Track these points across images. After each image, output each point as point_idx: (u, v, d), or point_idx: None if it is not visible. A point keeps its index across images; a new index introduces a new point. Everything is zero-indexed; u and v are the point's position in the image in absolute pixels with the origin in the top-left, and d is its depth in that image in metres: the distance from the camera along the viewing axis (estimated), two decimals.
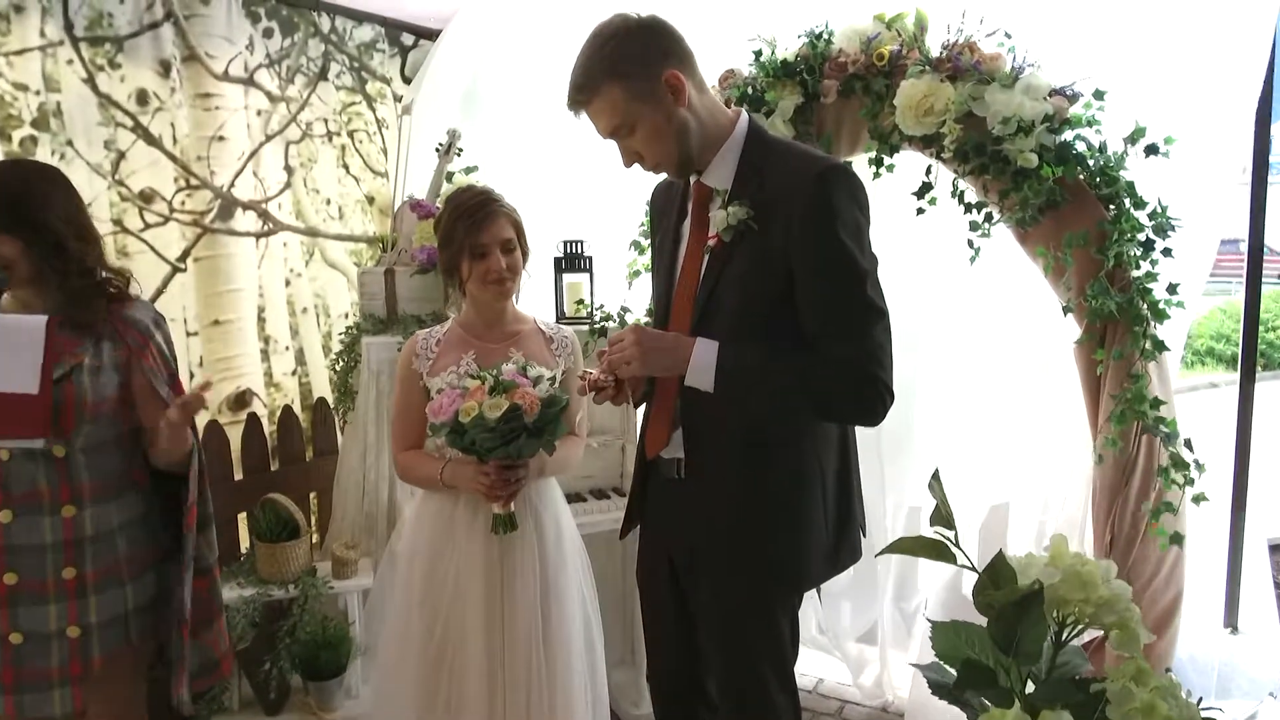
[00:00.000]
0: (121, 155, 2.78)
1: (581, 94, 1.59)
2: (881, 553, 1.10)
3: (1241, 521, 2.81)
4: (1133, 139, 2.32)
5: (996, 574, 1.00)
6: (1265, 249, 2.71)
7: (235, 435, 2.99)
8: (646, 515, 1.91)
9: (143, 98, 2.82)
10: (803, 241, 1.54)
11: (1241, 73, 2.44)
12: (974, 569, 1.03)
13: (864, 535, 1.83)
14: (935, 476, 1.09)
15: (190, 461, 1.82)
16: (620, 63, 1.55)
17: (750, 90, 2.69)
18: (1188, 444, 2.35)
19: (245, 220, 3.09)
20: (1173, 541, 2.37)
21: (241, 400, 3.09)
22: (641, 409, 1.89)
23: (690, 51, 1.61)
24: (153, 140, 2.85)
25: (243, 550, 2.92)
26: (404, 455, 2.11)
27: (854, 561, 1.79)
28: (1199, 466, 2.33)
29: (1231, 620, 2.85)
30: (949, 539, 1.03)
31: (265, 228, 3.16)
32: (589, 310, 3.00)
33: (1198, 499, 2.36)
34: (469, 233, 2.01)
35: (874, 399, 1.54)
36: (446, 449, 2.02)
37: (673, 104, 1.57)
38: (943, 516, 1.03)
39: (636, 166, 1.69)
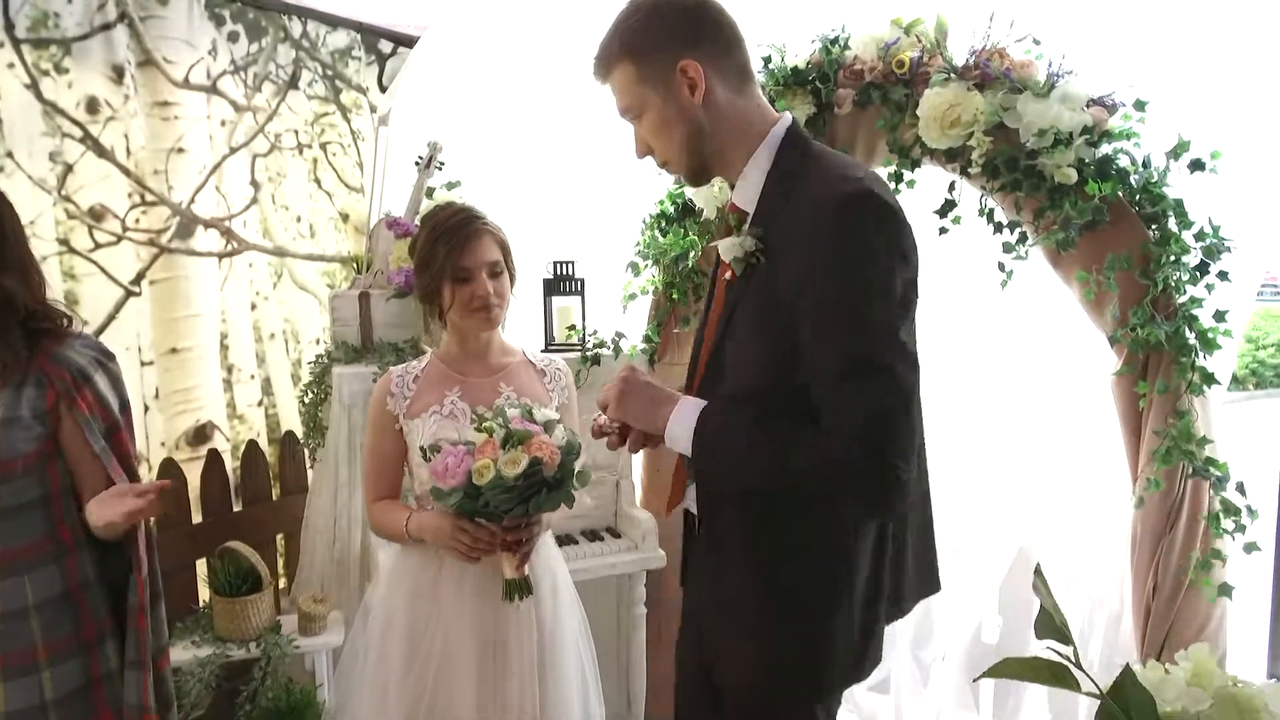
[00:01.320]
0: (69, 168, 2.53)
1: (599, 66, 1.43)
2: (983, 676, 0.87)
3: None
4: (1175, 154, 2.14)
5: (1126, 699, 0.78)
6: None
7: (194, 473, 2.73)
8: (685, 570, 1.67)
9: (93, 106, 2.57)
10: (810, 284, 1.27)
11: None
12: (1100, 696, 0.81)
13: (900, 612, 1.55)
14: (1038, 572, 0.86)
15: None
16: (638, 39, 1.37)
17: None
18: (1240, 488, 2.16)
19: (207, 239, 2.84)
20: (1221, 594, 2.17)
21: (201, 435, 2.84)
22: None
23: (731, 42, 1.38)
24: (104, 152, 2.60)
25: (202, 602, 2.66)
26: (377, 507, 1.88)
27: (876, 665, 1.50)
28: (1251, 513, 2.14)
29: (1275, 670, 2.64)
30: (1068, 658, 0.80)
31: (229, 247, 2.91)
32: (581, 337, 2.78)
33: (1249, 548, 2.17)
34: (451, 254, 1.80)
35: (873, 487, 1.22)
36: (428, 500, 1.80)
37: (687, 98, 1.36)
38: (1055, 627, 0.80)
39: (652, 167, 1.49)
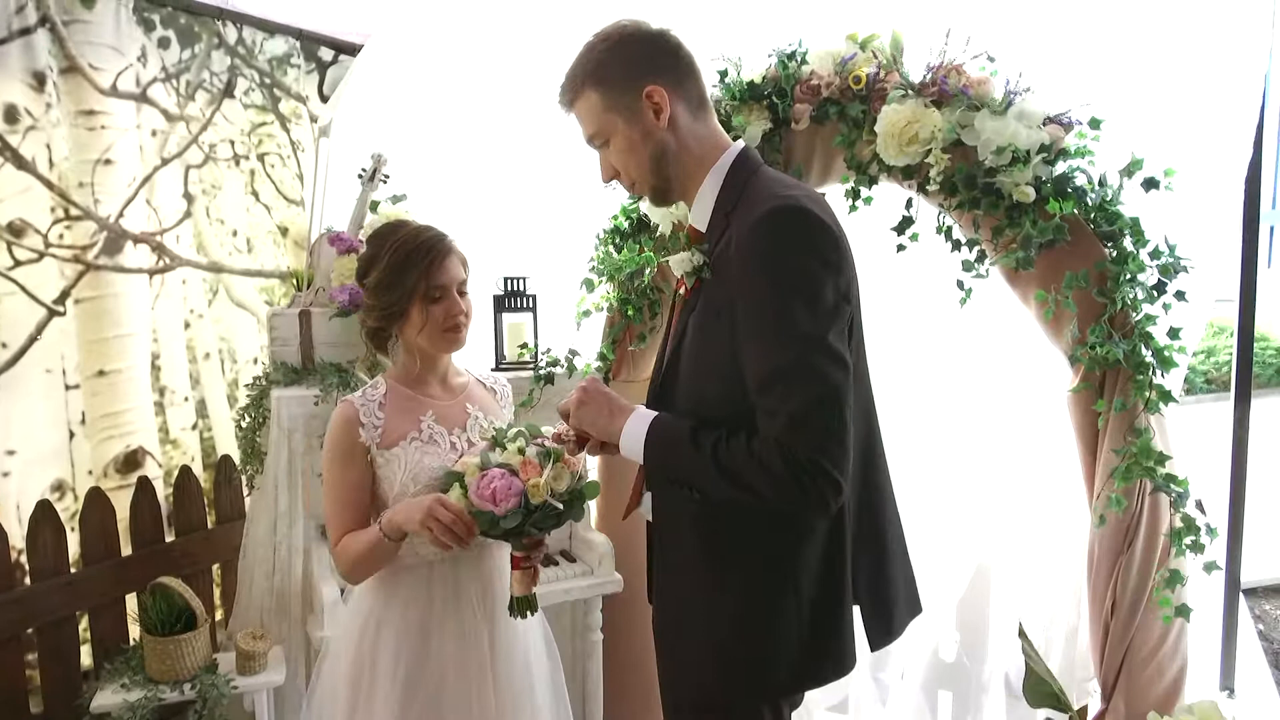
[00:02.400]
0: None
1: (564, 94, 1.52)
2: None
3: (1236, 571, 2.62)
4: (1129, 171, 2.15)
5: None
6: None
7: (124, 502, 2.59)
8: (650, 586, 1.72)
9: (11, 115, 2.43)
10: (738, 294, 1.37)
11: (1237, 95, 2.30)
12: None
13: (889, 635, 1.60)
14: (1023, 634, 0.81)
15: None
16: (603, 68, 1.46)
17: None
18: (1199, 505, 2.16)
19: (136, 255, 2.70)
20: (1178, 614, 2.16)
21: (132, 461, 2.69)
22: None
23: (691, 71, 1.49)
24: (24, 164, 2.45)
25: (132, 641, 2.51)
26: (346, 540, 1.76)
27: (840, 675, 1.53)
28: (1210, 531, 2.14)
29: (1228, 682, 2.66)
30: None
31: (160, 263, 2.77)
32: (533, 355, 2.70)
33: (1209, 567, 2.16)
34: (426, 274, 1.76)
35: (804, 488, 1.29)
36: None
37: (652, 122, 1.45)
38: (1051, 693, 0.74)
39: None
